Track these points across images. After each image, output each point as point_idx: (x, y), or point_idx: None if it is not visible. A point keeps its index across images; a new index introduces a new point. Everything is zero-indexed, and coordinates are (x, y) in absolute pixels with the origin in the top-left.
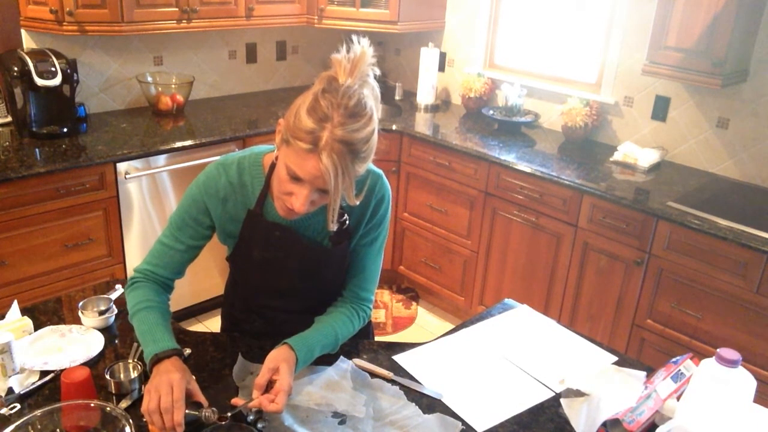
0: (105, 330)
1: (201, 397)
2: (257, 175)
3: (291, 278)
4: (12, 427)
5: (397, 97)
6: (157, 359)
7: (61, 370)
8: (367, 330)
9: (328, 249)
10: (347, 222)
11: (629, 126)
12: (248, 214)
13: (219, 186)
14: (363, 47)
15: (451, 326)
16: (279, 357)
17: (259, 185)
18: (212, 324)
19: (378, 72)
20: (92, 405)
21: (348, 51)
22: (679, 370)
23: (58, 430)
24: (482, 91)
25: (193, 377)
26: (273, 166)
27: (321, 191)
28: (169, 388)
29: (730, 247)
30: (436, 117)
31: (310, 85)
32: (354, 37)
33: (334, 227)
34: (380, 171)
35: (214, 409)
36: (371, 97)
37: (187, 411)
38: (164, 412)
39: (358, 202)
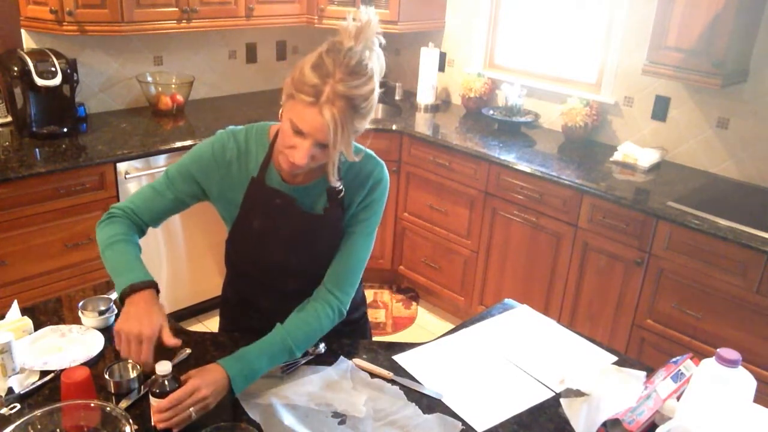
0: (105, 330)
1: (170, 338)
2: (262, 143)
3: (287, 251)
4: (12, 427)
5: (397, 97)
6: (132, 290)
7: (61, 370)
8: (364, 330)
9: (322, 216)
10: (342, 192)
11: (629, 126)
12: (251, 181)
13: (227, 148)
14: (369, 15)
15: (451, 326)
16: (200, 371)
17: (262, 153)
18: (212, 324)
19: (383, 41)
20: (92, 405)
21: (354, 19)
22: (679, 370)
23: (58, 430)
24: (482, 91)
25: (166, 318)
26: (278, 134)
27: (321, 146)
28: (148, 320)
29: (730, 247)
30: (436, 117)
31: None
32: (362, 6)
33: (335, 182)
34: (382, 162)
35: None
36: (375, 60)
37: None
38: (140, 341)
39: (357, 159)
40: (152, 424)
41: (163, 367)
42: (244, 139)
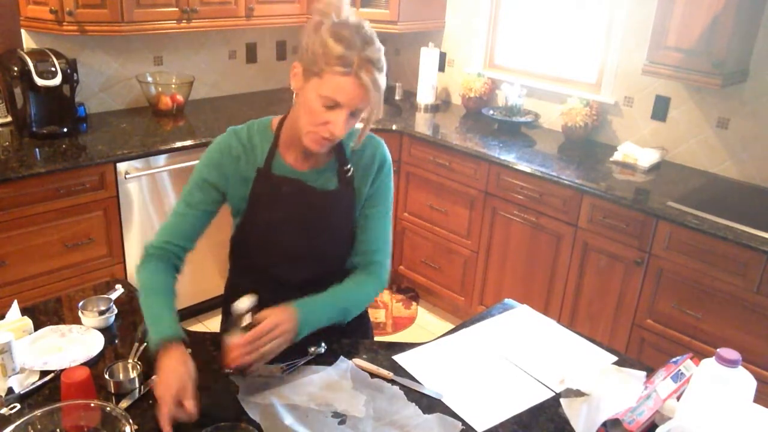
0: (105, 330)
1: (190, 405)
2: (266, 136)
3: (299, 237)
4: (12, 427)
5: (397, 97)
6: (163, 344)
7: (61, 370)
8: (366, 330)
9: (333, 192)
10: (351, 170)
11: (629, 126)
12: (258, 173)
13: (232, 145)
14: None
15: (451, 326)
16: (273, 311)
17: (267, 144)
18: (212, 324)
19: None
20: (92, 405)
21: None
22: (679, 370)
23: (58, 430)
24: (482, 91)
25: (195, 370)
26: (281, 125)
27: (352, 114)
28: (178, 382)
29: (730, 247)
30: (436, 117)
31: None
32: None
33: (359, 145)
34: (381, 139)
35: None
36: (366, 21)
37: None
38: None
39: (381, 116)
40: (224, 363)
41: (242, 305)
42: (247, 136)
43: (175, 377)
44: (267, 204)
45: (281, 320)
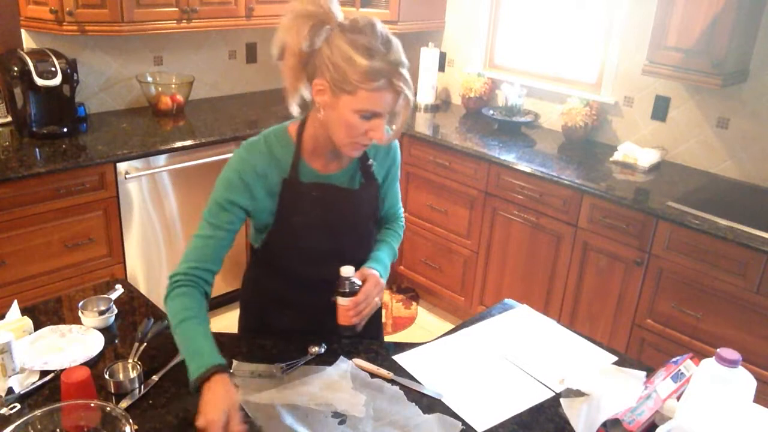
0: (105, 330)
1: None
2: (286, 145)
3: (327, 237)
4: (12, 427)
5: None
6: (206, 376)
7: (61, 370)
8: (379, 328)
9: (361, 189)
10: (373, 164)
11: (629, 126)
12: (285, 183)
13: (256, 164)
14: None
15: (451, 326)
16: (361, 271)
17: (290, 153)
18: (212, 324)
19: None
20: (92, 405)
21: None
22: (679, 370)
23: (58, 430)
24: (482, 91)
25: (238, 395)
26: (301, 132)
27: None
28: (227, 409)
29: (730, 247)
30: (436, 117)
31: None
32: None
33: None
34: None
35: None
36: (372, 17)
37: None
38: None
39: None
40: (341, 323)
41: (348, 270)
42: (268, 150)
43: (224, 404)
44: (297, 211)
45: (377, 280)
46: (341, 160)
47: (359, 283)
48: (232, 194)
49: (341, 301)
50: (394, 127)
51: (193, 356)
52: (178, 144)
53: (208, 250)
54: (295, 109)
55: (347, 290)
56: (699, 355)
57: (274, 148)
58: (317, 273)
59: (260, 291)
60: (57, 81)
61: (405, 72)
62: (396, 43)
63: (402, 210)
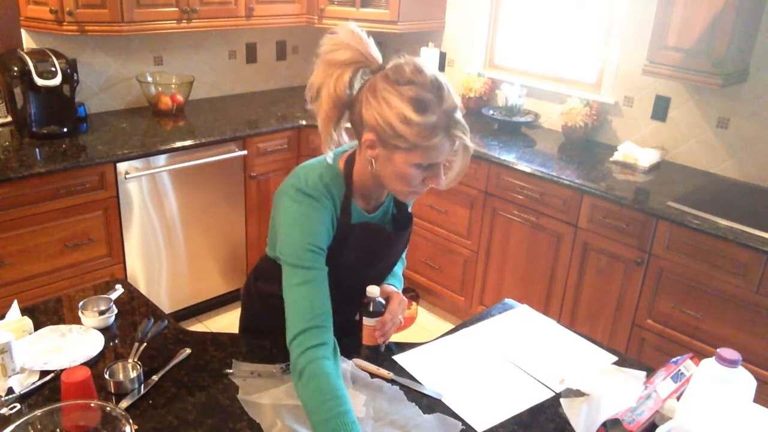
0: (105, 330)
1: None
2: (339, 185)
3: (365, 272)
4: (12, 427)
5: None
6: None
7: (61, 370)
8: None
9: (397, 222)
10: (409, 206)
11: (629, 126)
12: (340, 224)
13: (330, 209)
14: (348, 27)
15: (451, 326)
16: (382, 288)
17: (341, 193)
18: (212, 324)
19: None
20: (92, 405)
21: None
22: (679, 370)
23: (58, 430)
24: (482, 91)
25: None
26: (350, 170)
27: None
28: None
29: (730, 247)
30: None
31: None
32: (349, 25)
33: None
34: None
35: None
36: (414, 58)
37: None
38: None
39: None
40: (366, 343)
41: (374, 290)
42: (327, 192)
43: None
44: (344, 251)
45: (401, 298)
46: (381, 196)
47: (383, 302)
48: (319, 240)
49: (368, 321)
50: (452, 170)
51: None
52: (178, 144)
53: (316, 292)
54: (329, 156)
55: (373, 310)
56: (699, 355)
57: (331, 189)
58: (337, 297)
59: (263, 297)
60: (57, 81)
61: (460, 117)
62: (445, 83)
63: None
